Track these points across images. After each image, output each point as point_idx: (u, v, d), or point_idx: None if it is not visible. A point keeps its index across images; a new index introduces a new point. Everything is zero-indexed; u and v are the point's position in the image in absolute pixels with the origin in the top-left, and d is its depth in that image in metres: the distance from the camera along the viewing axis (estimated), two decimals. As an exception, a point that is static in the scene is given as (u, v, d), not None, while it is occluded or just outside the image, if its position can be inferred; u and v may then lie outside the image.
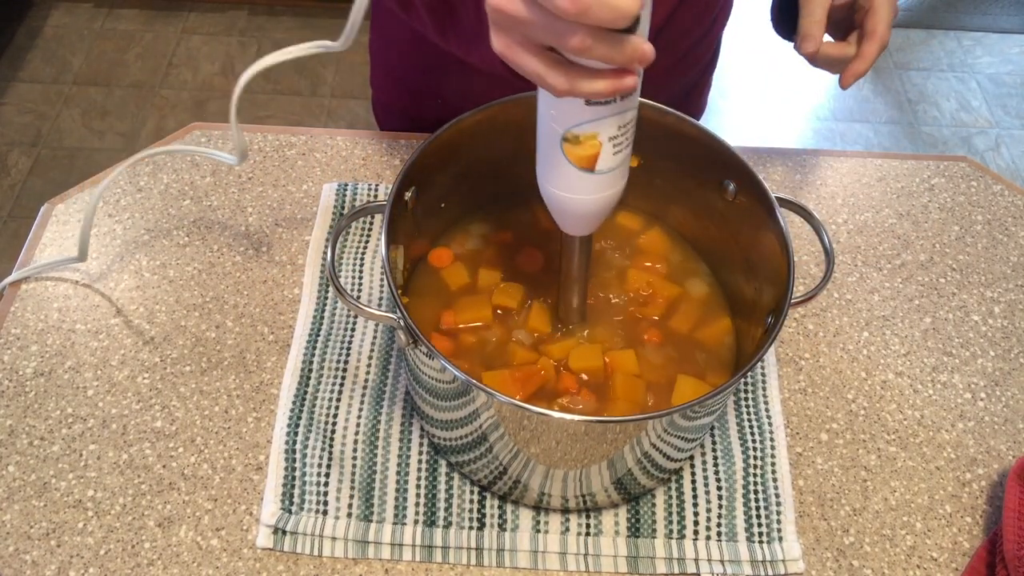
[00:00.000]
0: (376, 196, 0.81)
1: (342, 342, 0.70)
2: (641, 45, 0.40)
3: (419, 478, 0.63)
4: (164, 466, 0.64)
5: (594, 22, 0.38)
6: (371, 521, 0.61)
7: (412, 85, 0.90)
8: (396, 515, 0.61)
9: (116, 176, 0.81)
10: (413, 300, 0.66)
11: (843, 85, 0.66)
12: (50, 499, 0.62)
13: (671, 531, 0.62)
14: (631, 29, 0.39)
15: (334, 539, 0.60)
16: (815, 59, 0.66)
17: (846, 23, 0.68)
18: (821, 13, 0.65)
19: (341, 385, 0.68)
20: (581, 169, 0.48)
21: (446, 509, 0.62)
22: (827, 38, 0.66)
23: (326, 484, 0.62)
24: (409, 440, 0.65)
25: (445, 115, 0.61)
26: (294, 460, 0.63)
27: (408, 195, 0.60)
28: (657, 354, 0.63)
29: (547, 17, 0.39)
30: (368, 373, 0.69)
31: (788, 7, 0.69)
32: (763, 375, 0.70)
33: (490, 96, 0.63)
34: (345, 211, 0.79)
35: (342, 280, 0.75)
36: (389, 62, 0.91)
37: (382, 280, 0.75)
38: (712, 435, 0.66)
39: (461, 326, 0.64)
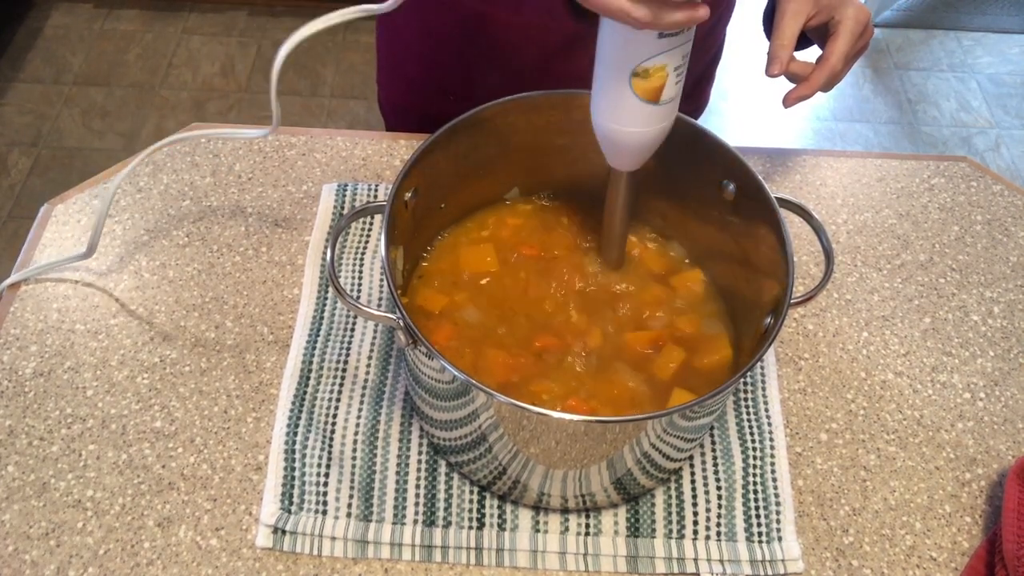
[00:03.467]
0: (376, 196, 0.81)
1: (342, 342, 0.70)
2: None
3: (419, 478, 0.63)
4: (163, 466, 0.64)
5: None
6: (370, 521, 0.61)
7: (420, 83, 0.90)
8: (396, 515, 0.61)
9: (123, 172, 0.82)
10: (413, 300, 0.66)
11: (784, 104, 0.67)
12: (49, 499, 0.62)
13: (671, 531, 0.62)
14: None
15: (333, 539, 0.60)
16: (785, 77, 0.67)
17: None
18: (790, 37, 0.66)
19: (341, 385, 0.68)
20: (646, 101, 0.53)
21: (445, 509, 0.62)
22: (800, 55, 0.68)
23: (325, 484, 0.62)
24: (409, 440, 0.65)
25: (454, 112, 0.62)
26: (294, 460, 0.63)
27: (408, 195, 0.60)
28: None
29: None
30: (368, 373, 0.69)
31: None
32: (762, 375, 0.70)
33: (501, 92, 0.63)
34: (345, 211, 0.79)
35: (342, 280, 0.75)
36: (396, 59, 0.91)
37: (382, 280, 0.75)
38: (712, 435, 0.66)
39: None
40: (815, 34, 0.69)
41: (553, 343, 0.63)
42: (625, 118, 0.54)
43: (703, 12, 0.48)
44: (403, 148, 0.86)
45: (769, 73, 0.66)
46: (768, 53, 0.66)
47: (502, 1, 0.71)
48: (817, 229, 0.60)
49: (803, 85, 0.66)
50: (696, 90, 0.95)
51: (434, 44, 0.83)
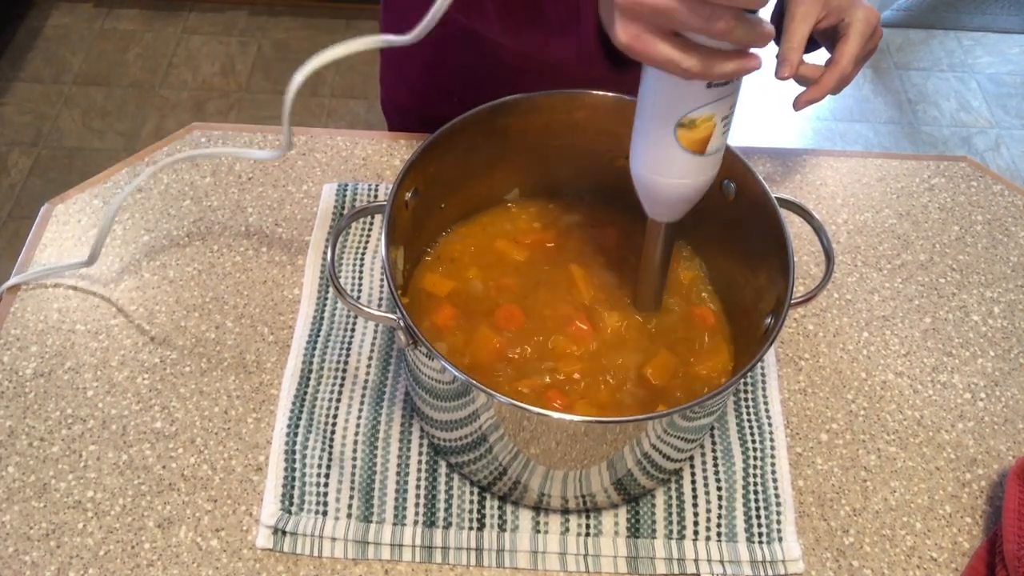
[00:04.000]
0: (376, 196, 0.81)
1: (342, 342, 0.70)
2: (767, 25, 0.43)
3: (419, 479, 0.63)
4: (164, 467, 0.64)
5: (742, 4, 0.41)
6: (371, 522, 0.61)
7: (423, 85, 0.90)
8: (396, 516, 0.61)
9: (118, 179, 0.82)
10: (413, 300, 0.66)
11: (795, 107, 0.67)
12: (50, 500, 0.62)
13: (671, 531, 0.62)
14: (756, 11, 0.43)
15: (334, 540, 0.60)
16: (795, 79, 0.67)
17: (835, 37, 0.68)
18: (800, 39, 0.65)
19: (341, 385, 0.68)
20: (691, 153, 0.50)
21: (446, 510, 0.62)
22: (809, 58, 0.67)
23: (326, 485, 0.62)
24: (409, 441, 0.65)
25: (457, 113, 0.61)
26: (294, 461, 0.63)
27: (408, 195, 0.60)
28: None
29: (693, 4, 0.42)
30: (368, 374, 0.69)
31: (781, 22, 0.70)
32: (763, 375, 0.70)
33: (503, 95, 0.63)
34: (345, 211, 0.79)
35: (342, 280, 0.75)
36: (401, 62, 0.91)
37: (382, 280, 0.75)
38: (712, 436, 0.66)
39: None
40: (823, 37, 0.69)
41: (549, 339, 0.63)
42: (668, 169, 0.52)
43: (756, 63, 0.45)
44: (403, 148, 0.86)
45: (779, 76, 0.65)
46: (778, 56, 0.66)
47: (528, 41, 0.66)
48: (817, 229, 0.60)
49: (813, 88, 0.66)
50: None
51: (438, 55, 0.83)
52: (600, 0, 0.49)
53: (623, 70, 0.52)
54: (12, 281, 0.72)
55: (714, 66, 0.44)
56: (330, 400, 0.67)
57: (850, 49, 0.66)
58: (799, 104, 0.67)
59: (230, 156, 0.81)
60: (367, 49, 0.55)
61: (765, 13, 0.45)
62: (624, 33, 0.45)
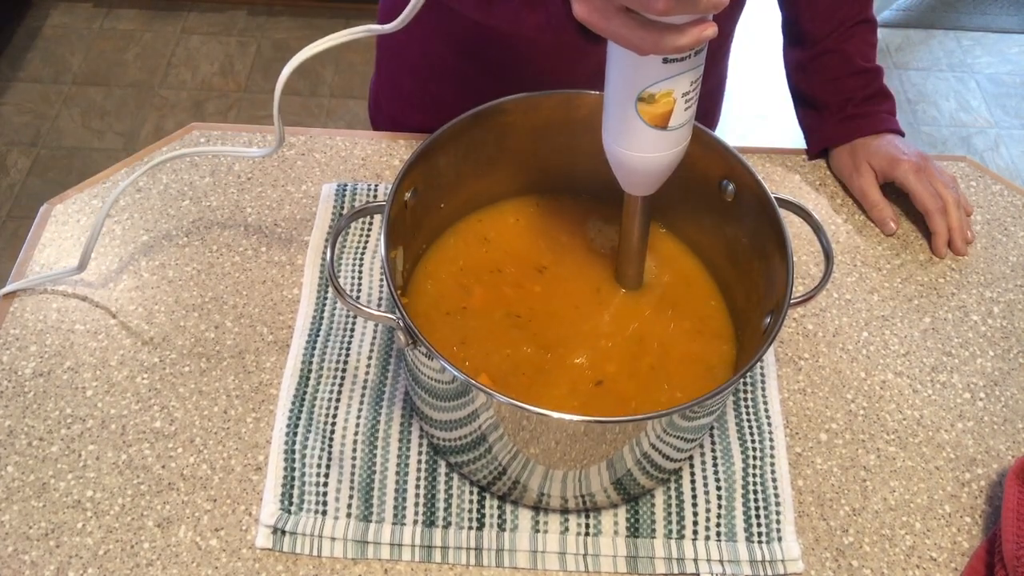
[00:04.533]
0: (375, 196, 0.81)
1: (341, 342, 0.70)
2: None
3: (418, 478, 0.63)
4: (163, 466, 0.64)
5: None
6: (370, 521, 0.61)
7: (413, 94, 0.90)
8: (395, 515, 0.61)
9: (116, 179, 0.81)
10: (412, 300, 0.66)
11: (938, 256, 0.81)
12: (49, 499, 0.62)
13: (670, 531, 0.62)
14: None
15: (333, 539, 0.60)
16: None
17: None
18: (879, 197, 0.82)
19: (340, 385, 0.68)
20: (654, 127, 0.51)
21: (445, 509, 0.62)
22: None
23: (325, 484, 0.62)
24: (408, 440, 0.65)
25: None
26: (293, 460, 0.63)
27: (408, 195, 0.60)
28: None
29: None
30: (368, 373, 0.68)
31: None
32: (762, 375, 0.70)
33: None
34: (344, 211, 0.79)
35: (341, 280, 0.75)
36: (393, 70, 0.91)
37: (382, 280, 0.75)
38: (711, 435, 0.66)
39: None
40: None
41: (547, 337, 0.63)
42: (634, 143, 0.53)
43: (709, 32, 0.45)
44: (403, 148, 0.86)
45: (890, 232, 0.81)
46: (874, 221, 0.82)
47: (500, 15, 0.68)
48: (817, 229, 0.60)
49: (934, 237, 0.80)
50: (711, 79, 0.95)
51: (434, 65, 0.83)
52: None
53: (591, 41, 0.54)
54: (7, 288, 0.72)
55: (666, 40, 0.45)
56: (329, 400, 0.67)
57: (920, 192, 0.79)
58: (939, 253, 0.81)
59: (221, 155, 0.81)
60: (353, 38, 0.55)
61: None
62: (581, 8, 0.47)
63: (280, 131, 0.61)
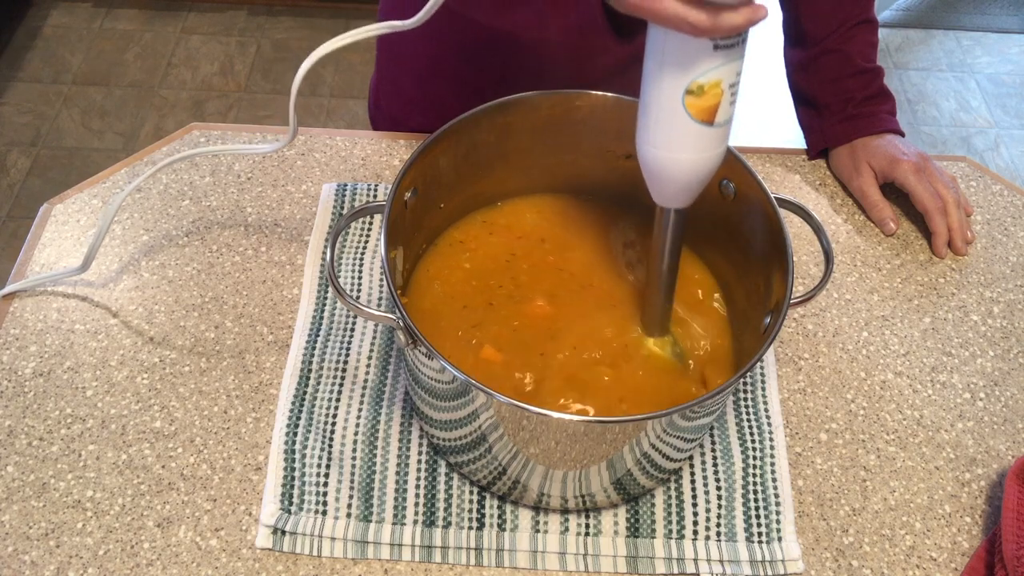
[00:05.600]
0: (375, 196, 0.81)
1: (341, 342, 0.70)
2: None
3: (418, 478, 0.63)
4: (163, 466, 0.64)
5: None
6: (370, 521, 0.61)
7: (414, 95, 0.90)
8: (395, 515, 0.61)
9: (117, 179, 0.81)
10: (412, 300, 0.66)
11: (938, 256, 0.81)
12: (49, 499, 0.62)
13: (670, 531, 0.62)
14: None
15: (333, 539, 0.60)
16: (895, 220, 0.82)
17: None
18: (879, 197, 0.82)
19: (340, 385, 0.68)
20: (700, 123, 0.48)
21: (445, 509, 0.62)
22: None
23: (325, 484, 0.62)
24: (408, 440, 0.65)
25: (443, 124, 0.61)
26: (293, 460, 0.63)
27: (408, 195, 0.60)
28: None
29: None
30: (368, 373, 0.68)
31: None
32: (762, 375, 0.70)
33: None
34: (344, 211, 0.79)
35: (341, 280, 0.75)
36: (394, 70, 0.91)
37: (382, 280, 0.75)
38: (711, 435, 0.66)
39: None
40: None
41: (547, 337, 0.63)
42: (677, 143, 0.50)
43: (763, 12, 0.44)
44: (402, 148, 0.86)
45: (890, 232, 0.82)
46: (874, 221, 0.82)
47: (520, 20, 0.66)
48: (817, 229, 0.60)
49: (934, 236, 0.80)
50: None
51: (435, 67, 0.83)
52: None
53: (627, 39, 0.51)
54: (7, 289, 0.72)
55: (722, 19, 0.44)
56: (329, 400, 0.67)
57: (920, 196, 0.79)
58: (939, 254, 0.81)
59: (233, 153, 0.81)
60: (374, 35, 0.55)
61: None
62: None
63: (294, 124, 0.61)
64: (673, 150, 0.50)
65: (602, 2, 0.50)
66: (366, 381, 0.68)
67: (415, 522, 0.61)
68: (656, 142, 0.51)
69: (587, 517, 0.62)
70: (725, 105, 0.48)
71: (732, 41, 0.46)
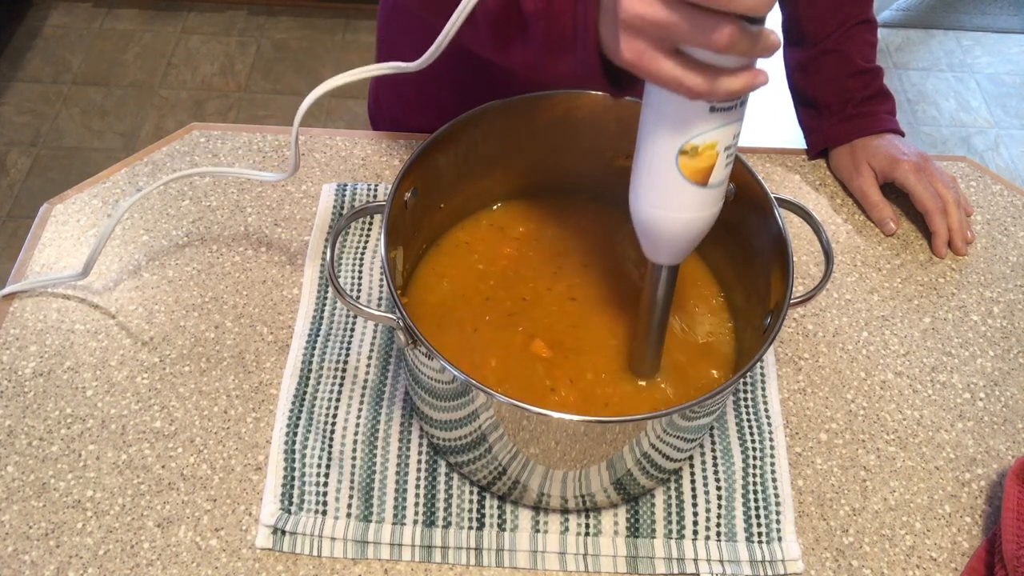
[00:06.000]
0: (375, 196, 0.81)
1: (341, 342, 0.70)
2: (773, 35, 0.41)
3: (418, 478, 0.63)
4: (163, 466, 0.64)
5: (741, 9, 0.39)
6: (370, 521, 0.61)
7: (413, 95, 0.90)
8: (395, 515, 0.61)
9: (117, 180, 0.82)
10: (412, 300, 0.66)
11: (938, 256, 0.81)
12: (49, 499, 0.62)
13: (670, 531, 0.62)
14: (762, 20, 0.41)
15: (333, 539, 0.60)
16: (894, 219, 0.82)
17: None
18: (879, 197, 0.82)
19: (340, 385, 0.68)
20: (694, 184, 0.48)
21: (445, 509, 0.62)
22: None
23: (325, 484, 0.62)
24: (408, 440, 0.65)
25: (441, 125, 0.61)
26: (293, 460, 0.63)
27: (408, 195, 0.60)
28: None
29: (692, 15, 0.40)
30: (368, 373, 0.69)
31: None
32: (762, 375, 0.70)
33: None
34: (344, 211, 0.79)
35: (341, 280, 0.75)
36: (396, 78, 0.91)
37: (382, 280, 0.75)
38: (711, 435, 0.66)
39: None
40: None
41: (547, 338, 0.63)
42: (670, 202, 0.49)
43: (763, 78, 0.43)
44: (402, 148, 0.86)
45: (890, 232, 0.82)
46: (874, 221, 0.82)
47: (518, 59, 0.64)
48: (817, 229, 0.60)
49: (933, 236, 0.80)
50: None
51: (435, 68, 0.83)
52: (601, 18, 0.47)
53: (622, 90, 0.51)
54: (7, 290, 0.72)
55: (719, 83, 0.43)
56: (330, 400, 0.67)
57: (920, 192, 0.79)
58: (939, 253, 0.81)
59: (236, 176, 0.80)
60: (376, 75, 0.55)
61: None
62: (628, 50, 0.44)
63: (296, 158, 0.61)
64: (665, 208, 0.50)
65: (599, 52, 0.50)
66: (366, 381, 0.68)
67: (415, 522, 0.61)
68: (649, 199, 0.50)
69: (587, 517, 0.62)
70: (720, 167, 0.48)
71: (729, 104, 0.45)
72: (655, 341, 0.60)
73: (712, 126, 0.46)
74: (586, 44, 0.49)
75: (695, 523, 0.62)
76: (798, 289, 0.76)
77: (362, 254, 0.77)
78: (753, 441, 0.66)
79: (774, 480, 0.64)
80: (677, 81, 0.43)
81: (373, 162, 0.84)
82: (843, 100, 0.84)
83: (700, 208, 0.50)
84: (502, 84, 0.74)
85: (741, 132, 0.48)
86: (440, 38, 0.51)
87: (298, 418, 0.66)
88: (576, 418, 0.49)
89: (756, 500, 0.63)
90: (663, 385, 0.62)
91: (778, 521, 0.62)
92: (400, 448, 0.65)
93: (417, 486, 0.63)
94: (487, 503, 0.62)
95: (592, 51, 0.50)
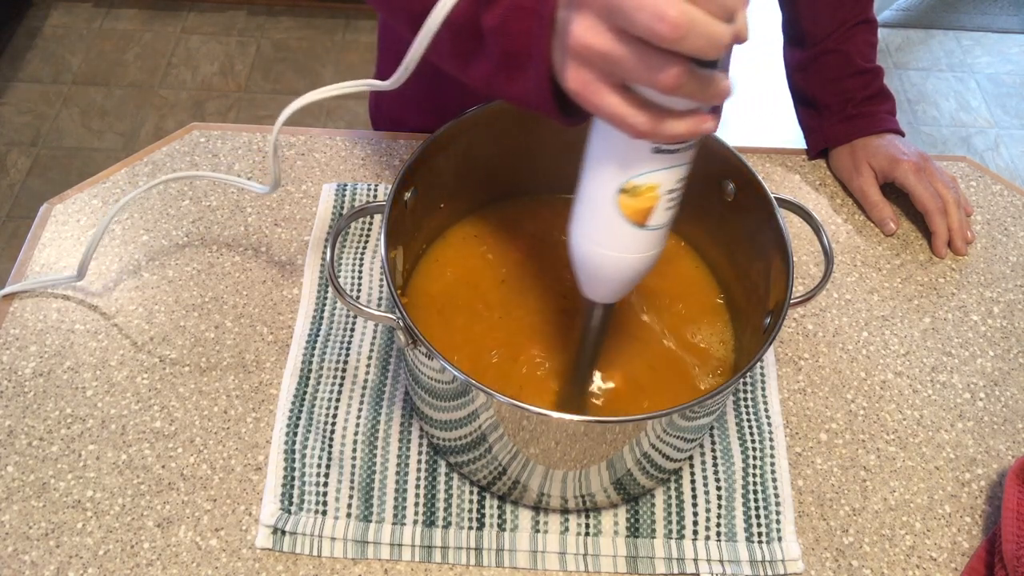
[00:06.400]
0: (375, 196, 0.81)
1: (341, 342, 0.70)
2: (724, 81, 0.40)
3: (418, 478, 0.63)
4: (163, 466, 0.64)
5: (690, 50, 0.37)
6: (370, 521, 0.61)
7: (413, 95, 0.90)
8: (395, 515, 0.61)
9: (116, 180, 0.82)
10: (412, 300, 0.66)
11: (938, 256, 0.81)
12: (49, 499, 0.62)
13: (670, 531, 0.62)
14: (715, 64, 0.39)
15: (333, 539, 0.60)
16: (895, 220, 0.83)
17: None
18: (879, 197, 0.82)
19: (340, 385, 0.68)
20: (632, 223, 0.46)
21: (445, 509, 0.62)
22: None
23: (325, 484, 0.62)
24: (408, 440, 0.65)
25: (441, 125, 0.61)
26: (293, 460, 0.63)
27: (407, 195, 0.60)
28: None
29: (640, 51, 0.38)
30: (367, 373, 0.69)
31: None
32: (762, 375, 0.70)
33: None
34: (344, 211, 0.79)
35: (341, 280, 0.75)
36: (393, 69, 0.91)
37: (382, 280, 0.75)
38: (711, 435, 0.66)
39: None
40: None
41: (547, 340, 0.63)
42: (605, 239, 0.47)
43: (710, 125, 0.41)
44: (402, 148, 0.86)
45: (890, 232, 0.82)
46: (874, 221, 0.83)
47: (475, 75, 0.60)
48: (817, 229, 0.60)
49: (933, 236, 0.80)
50: None
51: (435, 68, 0.83)
52: (554, 42, 0.46)
53: (571, 120, 0.50)
54: (7, 290, 0.72)
55: (664, 125, 0.41)
56: (329, 400, 0.67)
57: (920, 193, 0.80)
58: (939, 253, 0.81)
59: (222, 182, 0.80)
60: (353, 92, 0.54)
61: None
62: (574, 79, 0.42)
63: (276, 175, 0.61)
64: (601, 246, 0.48)
65: (552, 77, 0.49)
66: (366, 381, 0.68)
67: (415, 522, 0.61)
68: (586, 234, 0.49)
69: (587, 517, 0.62)
70: (661, 210, 0.46)
71: (675, 148, 0.43)
72: (580, 380, 0.60)
73: (655, 167, 0.44)
74: (538, 67, 0.48)
75: (695, 523, 0.62)
76: (798, 289, 0.76)
77: (362, 254, 0.77)
78: (753, 441, 0.66)
79: (774, 480, 0.64)
80: (620, 117, 0.41)
81: (373, 162, 0.84)
82: (843, 100, 0.84)
83: (637, 249, 0.48)
84: None
85: (687, 177, 0.46)
86: (409, 56, 0.50)
87: (298, 418, 0.66)
88: (576, 418, 0.49)
89: (756, 500, 0.63)
90: (663, 385, 0.62)
91: (778, 521, 0.62)
92: (400, 448, 0.65)
93: (417, 486, 0.63)
94: (487, 503, 0.62)
95: (544, 75, 0.49)
